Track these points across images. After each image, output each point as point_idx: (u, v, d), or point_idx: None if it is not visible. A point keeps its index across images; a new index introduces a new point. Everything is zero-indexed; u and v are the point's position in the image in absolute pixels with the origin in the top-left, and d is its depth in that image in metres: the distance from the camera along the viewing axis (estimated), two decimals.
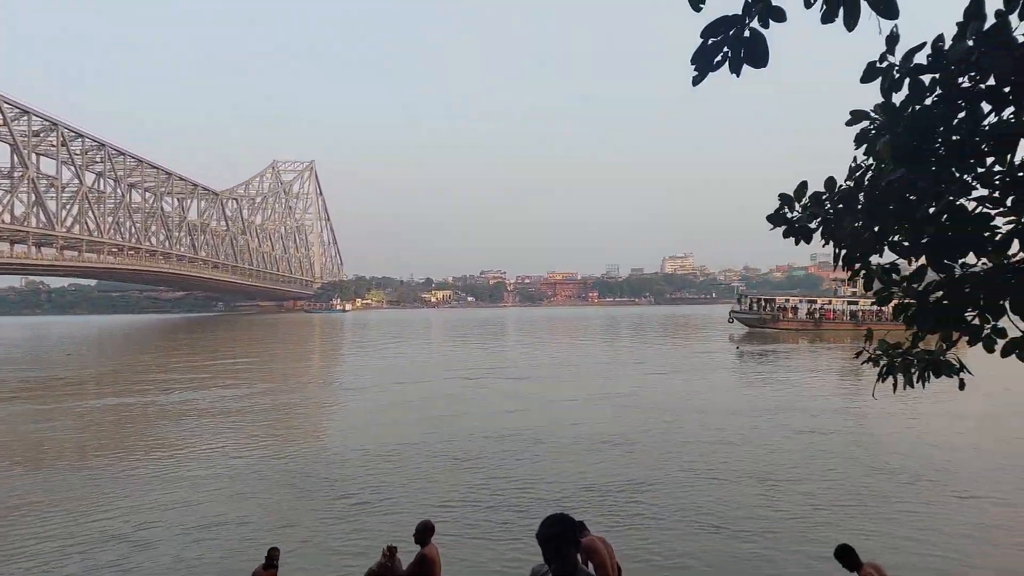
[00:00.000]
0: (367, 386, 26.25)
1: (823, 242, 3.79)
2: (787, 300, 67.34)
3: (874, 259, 3.74)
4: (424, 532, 6.47)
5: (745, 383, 25.48)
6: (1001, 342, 3.54)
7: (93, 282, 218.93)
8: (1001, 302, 3.45)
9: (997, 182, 3.36)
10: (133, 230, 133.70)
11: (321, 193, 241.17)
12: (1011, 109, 3.17)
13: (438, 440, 15.85)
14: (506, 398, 22.51)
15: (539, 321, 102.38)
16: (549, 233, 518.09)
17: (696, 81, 3.16)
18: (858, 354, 4.22)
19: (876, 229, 3.46)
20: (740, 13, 3.03)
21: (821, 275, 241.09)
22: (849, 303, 64.52)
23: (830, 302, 65.83)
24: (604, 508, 10.67)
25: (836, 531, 9.35)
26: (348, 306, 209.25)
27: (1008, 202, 3.38)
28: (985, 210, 3.41)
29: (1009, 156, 3.31)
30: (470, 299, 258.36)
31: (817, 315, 63.58)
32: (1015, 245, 3.47)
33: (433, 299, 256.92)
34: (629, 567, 8.27)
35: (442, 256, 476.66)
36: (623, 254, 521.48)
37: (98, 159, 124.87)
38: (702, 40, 3.10)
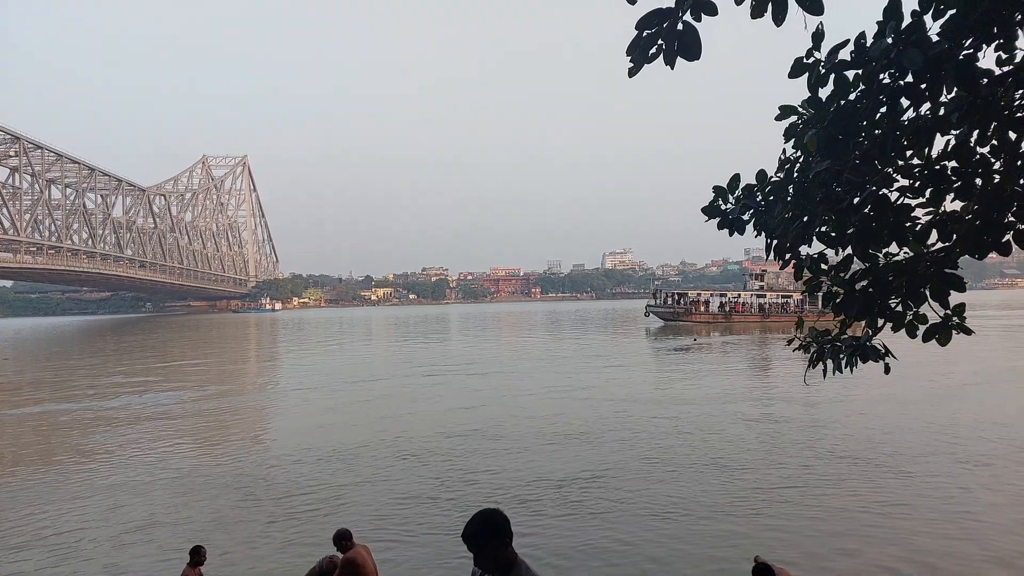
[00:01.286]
0: (311, 387, 25.72)
1: (755, 233, 3.91)
2: (699, 294, 70.26)
3: (803, 249, 3.88)
4: (341, 539, 6.45)
5: (690, 374, 26.16)
6: (922, 328, 3.74)
7: (9, 283, 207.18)
8: (922, 289, 3.64)
9: (916, 173, 3.54)
10: (53, 228, 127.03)
11: (255, 189, 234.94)
12: (927, 105, 3.34)
13: (390, 439, 15.69)
14: (457, 394, 22.46)
15: (483, 317, 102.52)
16: (491, 230, 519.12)
17: (631, 73, 3.21)
18: (789, 342, 4.37)
19: (805, 219, 3.59)
20: (673, 6, 3.09)
21: (753, 268, 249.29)
22: (757, 296, 67.54)
23: (739, 296, 68.61)
24: (565, 500, 10.76)
25: (791, 509, 9.78)
26: (279, 305, 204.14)
27: (927, 193, 3.56)
28: (906, 201, 3.59)
29: (927, 149, 3.48)
30: (412, 296, 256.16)
31: (728, 308, 66.19)
32: (933, 235, 3.67)
33: (373, 297, 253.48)
34: (591, 557, 8.40)
35: (382, 253, 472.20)
36: (564, 250, 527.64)
37: (12, 153, 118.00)
38: (636, 32, 3.14)
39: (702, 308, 67.30)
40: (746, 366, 29.47)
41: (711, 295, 70.52)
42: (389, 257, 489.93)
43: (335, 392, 24.11)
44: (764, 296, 67.46)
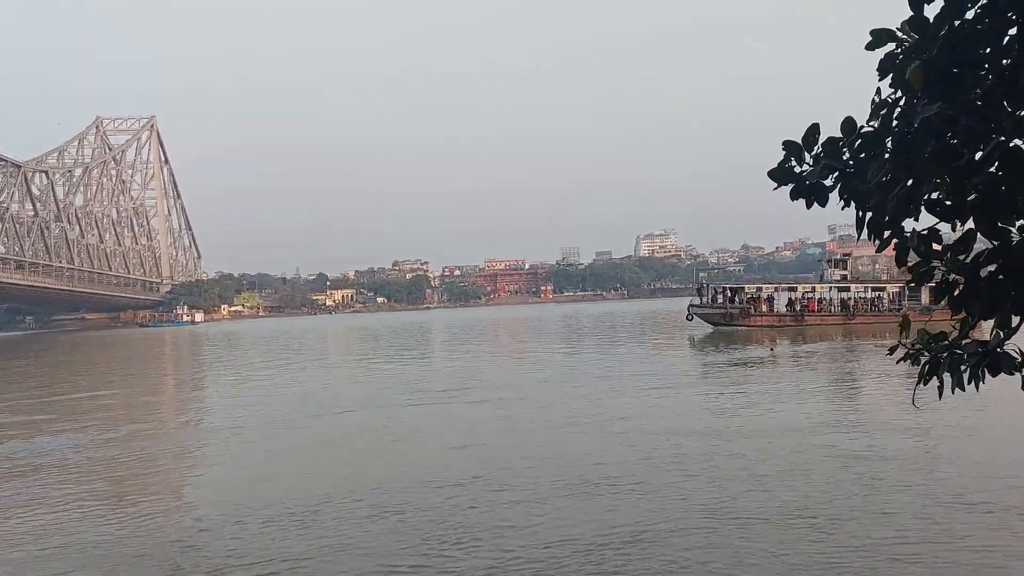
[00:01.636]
0: (252, 424, 25.80)
1: (841, 203, 3.90)
2: (759, 289, 70.29)
3: (908, 224, 3.86)
4: None
5: (755, 396, 26.19)
6: None
7: None
8: None
9: None
10: None
11: (167, 161, 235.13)
12: None
13: (361, 490, 15.69)
14: (449, 429, 22.51)
15: (478, 326, 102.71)
16: (484, 208, 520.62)
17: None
18: (892, 349, 4.36)
19: (909, 183, 3.58)
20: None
21: (837, 252, 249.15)
22: (839, 289, 67.34)
23: (814, 289, 68.87)
24: (598, 570, 10.74)
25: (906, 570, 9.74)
26: (200, 316, 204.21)
27: None
28: None
29: None
30: (381, 300, 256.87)
31: (799, 307, 66.21)
32: None
33: (330, 302, 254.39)
34: None
35: (340, 244, 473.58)
36: (584, 234, 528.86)
37: None
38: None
39: (764, 307, 67.45)
40: (830, 384, 29.44)
41: (776, 289, 70.51)
42: (350, 251, 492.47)
43: (286, 430, 24.16)
44: (848, 289, 67.45)
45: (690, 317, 68.17)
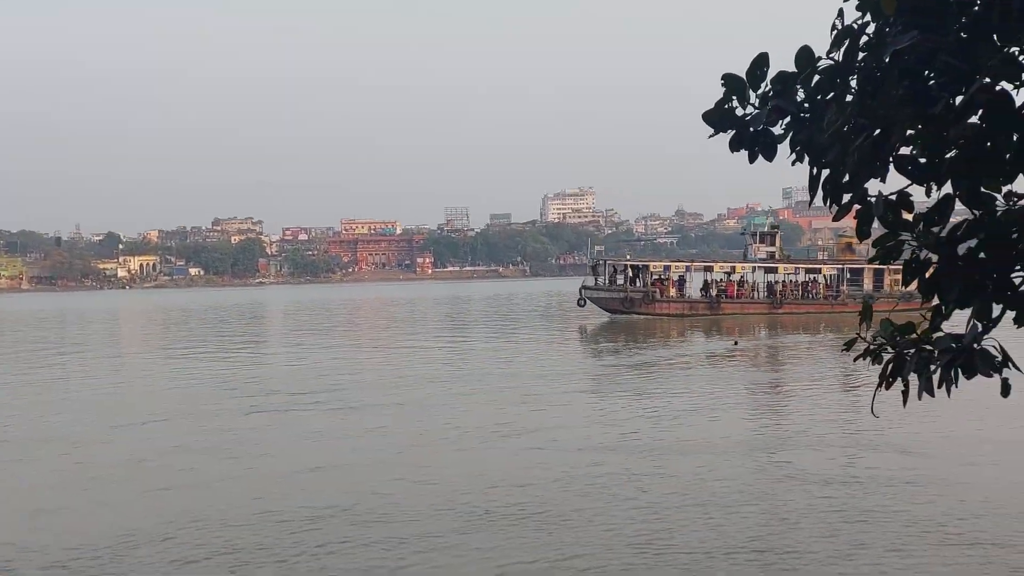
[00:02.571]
0: (19, 440, 24.89)
1: (792, 157, 4.01)
2: (666, 269, 70.57)
3: (873, 187, 4.00)
4: None
5: (682, 404, 26.76)
6: None
7: None
8: None
9: None
10: None
11: None
12: None
13: (180, 527, 15.30)
14: (303, 446, 22.16)
15: (329, 311, 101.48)
16: (344, 154, 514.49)
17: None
18: (849, 344, 4.52)
19: (876, 133, 3.71)
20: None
21: (799, 222, 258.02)
22: (765, 270, 69.76)
23: (733, 270, 70.73)
24: None
25: None
26: None
27: None
28: None
29: None
30: (195, 271, 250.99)
31: (715, 291, 68.11)
32: None
33: (123, 272, 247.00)
34: None
35: (137, 192, 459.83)
36: (476, 191, 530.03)
37: None
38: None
39: (673, 291, 68.80)
40: (775, 385, 30.42)
41: (688, 268, 71.76)
42: (153, 203, 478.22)
43: (74, 447, 23.38)
44: (775, 270, 69.54)
45: (582, 302, 68.58)
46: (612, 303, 67.59)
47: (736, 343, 46.77)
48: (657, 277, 68.79)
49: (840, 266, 69.34)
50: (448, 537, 14.35)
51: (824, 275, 69.19)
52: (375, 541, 14.29)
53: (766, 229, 78.41)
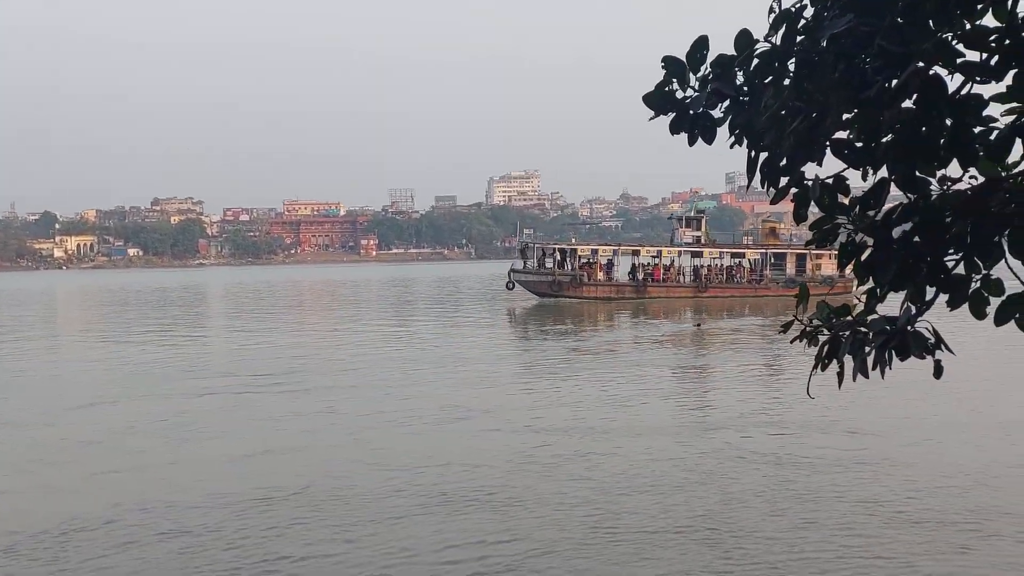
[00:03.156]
0: None
1: (731, 140, 4.04)
2: (594, 252, 72.18)
3: (811, 170, 4.04)
4: None
5: (622, 387, 27.01)
6: (996, 302, 4.00)
7: None
8: (997, 239, 3.88)
9: (993, 43, 3.73)
10: None
11: None
12: None
13: (128, 511, 15.19)
14: (249, 427, 22.11)
15: (272, 293, 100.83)
16: (286, 131, 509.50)
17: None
18: (786, 326, 4.57)
19: (812, 116, 3.74)
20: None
21: (741, 207, 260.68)
22: (692, 254, 70.96)
23: (660, 254, 71.82)
24: None
25: None
26: None
27: (1008, 77, 3.77)
28: (975, 89, 3.78)
29: (1010, 0, 3.67)
30: (134, 251, 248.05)
31: (642, 275, 69.19)
32: (1017, 148, 3.91)
33: (60, 253, 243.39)
34: None
35: (74, 171, 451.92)
36: (421, 173, 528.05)
37: None
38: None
39: (600, 274, 69.72)
40: (700, 373, 30.80)
41: (615, 252, 72.61)
42: (91, 182, 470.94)
43: (14, 431, 22.99)
44: (701, 254, 70.69)
45: (511, 285, 69.72)
46: (540, 286, 68.36)
47: (699, 325, 47.39)
48: (586, 261, 69.44)
49: (764, 251, 70.79)
50: (402, 520, 14.40)
51: (748, 259, 70.32)
52: (331, 525, 14.28)
53: (692, 214, 79.21)
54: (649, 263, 70.51)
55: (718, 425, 21.09)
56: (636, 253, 72.10)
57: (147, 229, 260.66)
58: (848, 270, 4.10)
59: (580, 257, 70.24)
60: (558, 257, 70.48)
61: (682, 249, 71.45)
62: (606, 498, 15.31)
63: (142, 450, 20.11)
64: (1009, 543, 12.80)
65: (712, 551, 12.72)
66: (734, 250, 73.01)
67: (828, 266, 65.77)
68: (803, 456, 17.78)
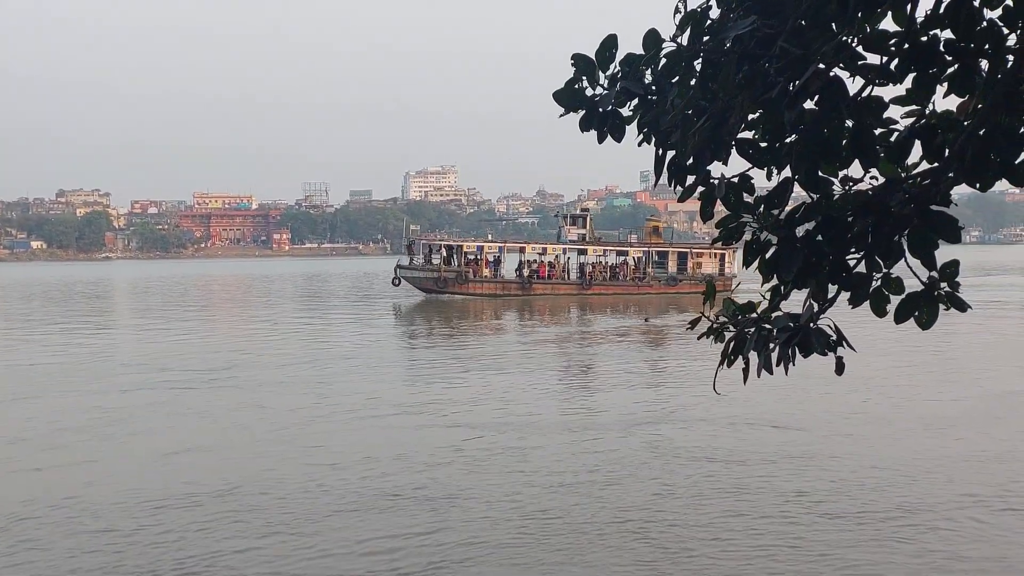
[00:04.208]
0: None
1: (640, 138, 4.11)
2: (480, 249, 72.50)
3: (717, 168, 4.13)
4: None
5: (533, 383, 27.19)
6: (895, 300, 4.13)
7: None
8: (896, 238, 4.01)
9: (892, 47, 3.85)
10: None
11: None
12: None
13: (41, 510, 14.86)
14: (172, 423, 21.82)
15: (182, 287, 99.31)
16: (197, 122, 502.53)
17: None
18: (693, 323, 4.66)
19: (718, 116, 3.82)
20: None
21: (655, 204, 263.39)
22: (578, 252, 71.45)
23: (545, 251, 72.31)
24: None
25: None
26: None
27: (908, 80, 3.90)
28: (875, 92, 3.91)
29: (909, 7, 3.78)
30: (37, 244, 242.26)
31: (527, 272, 69.93)
32: (916, 149, 4.03)
33: None
34: None
35: None
36: (336, 167, 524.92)
37: None
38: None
39: (486, 271, 70.14)
40: (643, 364, 31.08)
41: (500, 248, 72.84)
42: None
43: None
44: (585, 252, 71.04)
45: (397, 281, 69.28)
46: (426, 283, 68.36)
47: (647, 320, 47.85)
48: (473, 257, 69.64)
49: (647, 249, 71.51)
50: (333, 517, 14.35)
51: (632, 257, 70.89)
52: (264, 525, 14.13)
53: (577, 212, 79.91)
54: (535, 260, 70.81)
55: (644, 421, 21.37)
56: (522, 250, 72.65)
57: (51, 221, 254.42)
58: (728, 268, 4.20)
59: (466, 254, 70.43)
60: (444, 253, 70.48)
61: (567, 247, 71.89)
62: (540, 492, 15.45)
63: (60, 447, 19.70)
64: (931, 536, 13.18)
65: (643, 543, 12.96)
66: (618, 248, 73.43)
67: (708, 264, 67.29)
68: (731, 450, 18.10)
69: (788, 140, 3.84)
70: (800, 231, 4.06)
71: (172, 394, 26.58)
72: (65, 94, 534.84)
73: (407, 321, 52.25)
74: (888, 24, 3.81)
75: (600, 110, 4.18)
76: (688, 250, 71.25)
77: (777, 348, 4.15)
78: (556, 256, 70.70)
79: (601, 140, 4.28)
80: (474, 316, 53.82)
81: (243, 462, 18.13)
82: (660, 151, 4.05)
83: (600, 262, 70.65)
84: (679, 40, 3.94)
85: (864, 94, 3.81)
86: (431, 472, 17.05)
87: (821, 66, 3.57)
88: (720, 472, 16.62)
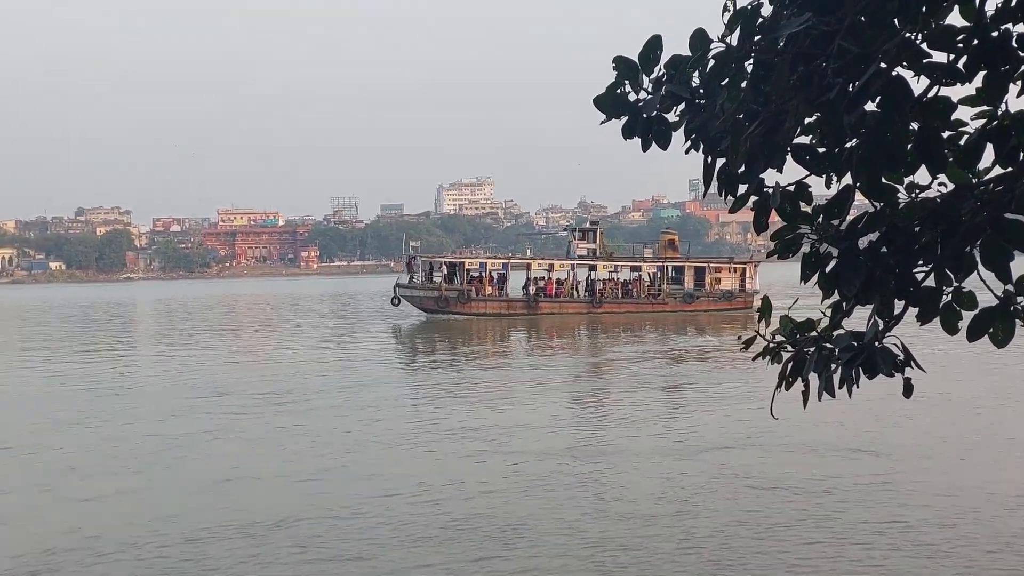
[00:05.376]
0: None
1: (686, 144, 4.01)
2: (482, 266, 71.01)
3: (771, 176, 4.02)
4: None
5: (593, 406, 27.13)
6: (968, 316, 4.00)
7: None
8: (968, 250, 3.89)
9: (960, 44, 3.74)
10: None
11: None
12: None
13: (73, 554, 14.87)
14: (188, 454, 21.90)
15: (206, 309, 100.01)
16: (218, 136, 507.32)
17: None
18: (748, 343, 4.54)
19: (772, 120, 3.72)
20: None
21: (706, 215, 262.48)
22: (588, 267, 70.29)
23: (552, 267, 71.22)
24: None
25: None
26: None
27: (978, 79, 3.78)
28: (942, 92, 3.80)
29: (978, 1, 3.68)
30: (56, 265, 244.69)
31: (534, 289, 68.79)
32: (988, 153, 3.91)
33: None
34: None
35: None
36: (366, 181, 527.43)
37: None
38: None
39: (490, 289, 68.91)
40: (687, 387, 30.87)
41: (504, 265, 71.40)
42: (13, 191, 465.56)
43: None
44: (595, 268, 69.93)
45: (396, 300, 68.62)
46: (427, 302, 67.60)
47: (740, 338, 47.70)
48: (477, 275, 68.87)
49: (661, 264, 70.52)
50: (397, 550, 14.31)
51: (646, 273, 70.06)
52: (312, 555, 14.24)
53: (587, 226, 78.63)
54: (542, 277, 69.93)
55: (679, 449, 21.20)
56: (528, 267, 71.34)
57: (70, 241, 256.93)
58: (749, 284, 4.09)
59: (468, 271, 69.40)
60: (445, 271, 69.88)
61: (575, 262, 70.72)
62: (601, 521, 15.36)
63: (81, 479, 19.86)
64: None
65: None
66: (631, 263, 72.46)
67: (727, 280, 66.36)
68: (793, 476, 17.87)
69: (848, 145, 3.73)
70: (863, 242, 3.95)
71: (228, 420, 26.79)
72: (85, 107, 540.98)
73: (411, 340, 52.19)
74: (955, 19, 3.71)
75: (644, 116, 4.08)
76: (706, 265, 70.26)
77: (840, 369, 4.03)
78: (564, 273, 69.84)
79: (646, 148, 4.19)
80: (477, 338, 53.18)
81: (272, 495, 18.11)
82: (709, 158, 3.96)
83: (612, 278, 69.82)
84: (728, 40, 3.85)
85: (930, 94, 3.70)
86: (488, 500, 17.04)
87: (883, 65, 3.47)
88: (790, 499, 16.39)
